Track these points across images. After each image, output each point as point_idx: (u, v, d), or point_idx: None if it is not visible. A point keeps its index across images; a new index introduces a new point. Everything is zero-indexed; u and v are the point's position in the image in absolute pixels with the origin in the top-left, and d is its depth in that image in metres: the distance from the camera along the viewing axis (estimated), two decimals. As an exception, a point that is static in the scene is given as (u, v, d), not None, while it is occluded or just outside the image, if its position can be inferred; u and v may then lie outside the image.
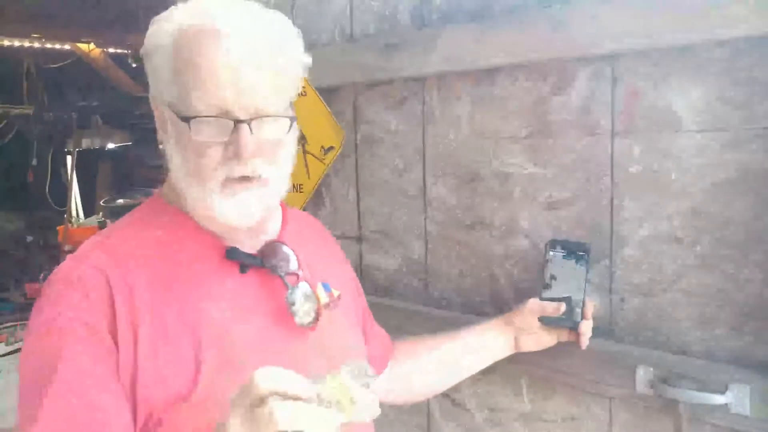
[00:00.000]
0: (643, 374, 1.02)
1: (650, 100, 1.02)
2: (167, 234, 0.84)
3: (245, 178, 0.79)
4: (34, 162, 6.07)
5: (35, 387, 0.72)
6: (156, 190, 0.93)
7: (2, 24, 4.90)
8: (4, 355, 3.91)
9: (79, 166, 5.30)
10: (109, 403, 0.73)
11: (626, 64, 1.04)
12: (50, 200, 5.77)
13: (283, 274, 0.86)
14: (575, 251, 1.07)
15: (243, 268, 0.85)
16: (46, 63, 6.00)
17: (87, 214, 5.58)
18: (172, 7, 0.82)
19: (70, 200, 4.91)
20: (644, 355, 1.03)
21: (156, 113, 0.85)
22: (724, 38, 0.94)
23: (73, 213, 5.16)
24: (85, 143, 5.11)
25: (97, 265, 0.77)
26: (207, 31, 0.76)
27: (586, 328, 1.02)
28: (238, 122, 0.76)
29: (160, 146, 0.86)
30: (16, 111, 5.82)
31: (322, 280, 0.94)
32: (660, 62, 1.01)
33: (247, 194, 0.80)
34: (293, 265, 0.88)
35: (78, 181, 5.44)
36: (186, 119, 0.77)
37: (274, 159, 0.81)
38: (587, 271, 1.05)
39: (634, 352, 1.05)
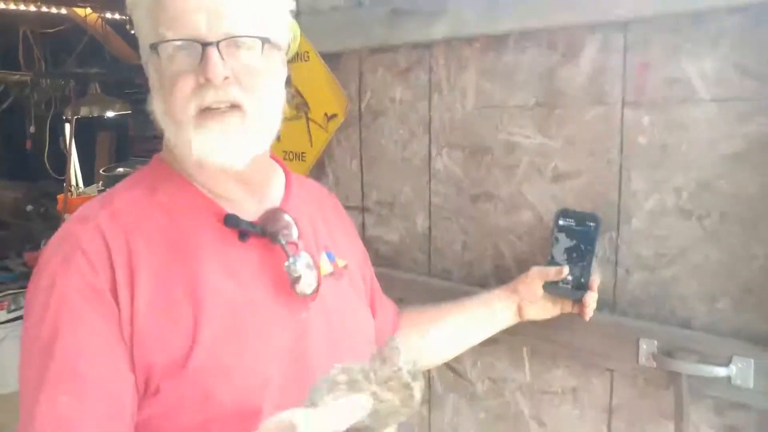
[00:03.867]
0: (645, 347, 1.02)
1: (662, 69, 1.00)
2: (170, 200, 0.83)
3: (221, 108, 0.76)
4: (32, 130, 6.02)
5: (39, 351, 0.72)
6: (156, 154, 0.91)
7: (-2, -12, 4.82)
8: (4, 323, 3.94)
9: (78, 135, 5.26)
10: (116, 365, 0.73)
11: (638, 32, 1.02)
12: (49, 169, 5.73)
13: (284, 242, 0.84)
14: (585, 222, 1.06)
15: (242, 236, 0.83)
16: (42, 29, 5.91)
17: (86, 183, 5.55)
18: None
19: (70, 169, 4.89)
20: (647, 329, 1.03)
21: (147, 71, 0.82)
22: (741, 4, 0.92)
23: (73, 182, 5.13)
24: (84, 111, 5.06)
25: (98, 228, 0.77)
26: None
27: (590, 299, 1.01)
28: (206, 45, 0.74)
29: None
30: (14, 78, 5.75)
31: (326, 249, 0.93)
32: (673, 30, 0.99)
33: (223, 125, 0.76)
34: (294, 234, 0.86)
35: (77, 149, 5.40)
36: (154, 46, 0.76)
37: (252, 87, 0.78)
38: (595, 243, 1.04)
39: (637, 325, 1.05)
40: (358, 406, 0.56)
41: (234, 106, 0.77)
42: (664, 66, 1.00)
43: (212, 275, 0.79)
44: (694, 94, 0.97)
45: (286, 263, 0.83)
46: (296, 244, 0.85)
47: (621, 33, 1.04)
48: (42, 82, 5.62)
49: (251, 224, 0.83)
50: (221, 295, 0.79)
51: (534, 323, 1.10)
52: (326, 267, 0.90)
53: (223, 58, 0.74)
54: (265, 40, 0.78)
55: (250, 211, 0.85)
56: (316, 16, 1.45)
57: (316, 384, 0.58)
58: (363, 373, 0.58)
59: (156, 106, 0.80)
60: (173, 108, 0.77)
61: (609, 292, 1.09)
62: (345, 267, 0.95)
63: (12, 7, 4.91)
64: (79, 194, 5.05)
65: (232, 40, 0.76)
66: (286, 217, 0.86)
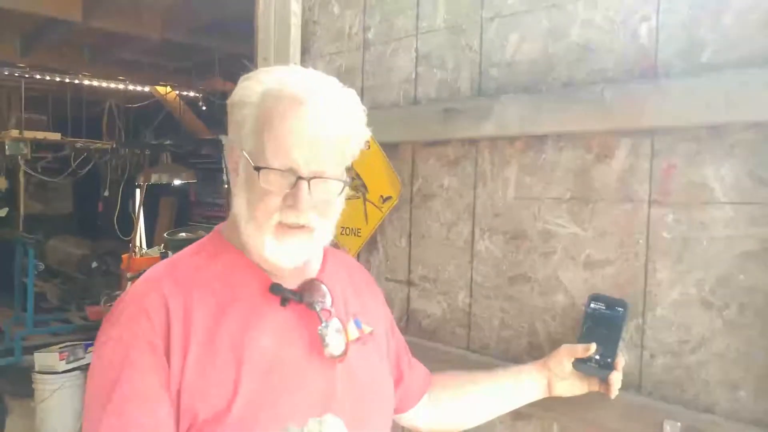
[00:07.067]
0: (669, 429, 1.08)
1: (685, 173, 1.12)
2: (224, 269, 0.97)
3: (296, 226, 0.91)
4: (106, 193, 6.48)
5: (102, 391, 0.86)
6: (216, 226, 1.07)
7: (93, 67, 5.39)
8: (63, 372, 4.13)
9: (144, 200, 5.64)
10: (159, 412, 0.86)
11: (664, 139, 1.15)
12: (117, 230, 6.12)
13: (318, 309, 0.97)
14: (614, 307, 1.15)
15: (283, 302, 0.96)
16: (126, 103, 6.49)
17: (149, 245, 5.89)
18: (261, 69, 0.97)
19: (136, 231, 5.22)
20: (671, 411, 1.10)
21: (230, 155, 0.98)
22: (754, 120, 1.04)
23: (137, 243, 5.46)
24: (154, 178, 5.47)
25: (161, 291, 0.91)
26: (290, 98, 0.89)
27: (615, 378, 1.09)
28: (300, 178, 0.89)
29: (225, 186, 1.00)
30: (97, 146, 6.27)
31: (354, 317, 1.05)
32: (695, 139, 1.11)
33: (294, 240, 0.92)
34: (328, 302, 0.99)
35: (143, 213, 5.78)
36: (258, 168, 0.90)
37: (325, 213, 0.94)
38: (623, 327, 1.13)
39: (662, 407, 1.11)
40: None
41: (306, 226, 0.92)
42: (686, 171, 1.12)
43: (255, 335, 0.92)
44: (713, 197, 1.08)
45: (320, 327, 0.96)
46: (329, 311, 0.99)
47: (648, 139, 1.17)
48: (121, 151, 6.11)
49: (292, 292, 0.97)
50: (261, 352, 0.92)
51: (566, 401, 1.18)
52: (353, 333, 1.02)
53: (309, 190, 0.89)
54: (346, 183, 0.95)
55: (291, 280, 0.99)
56: (378, 111, 1.64)
57: None
58: None
59: (239, 203, 0.94)
60: (258, 214, 0.91)
61: (635, 374, 1.17)
62: (371, 333, 1.07)
63: (104, 84, 5.46)
64: (142, 255, 5.36)
65: (321, 179, 0.91)
66: (323, 288, 1.00)
